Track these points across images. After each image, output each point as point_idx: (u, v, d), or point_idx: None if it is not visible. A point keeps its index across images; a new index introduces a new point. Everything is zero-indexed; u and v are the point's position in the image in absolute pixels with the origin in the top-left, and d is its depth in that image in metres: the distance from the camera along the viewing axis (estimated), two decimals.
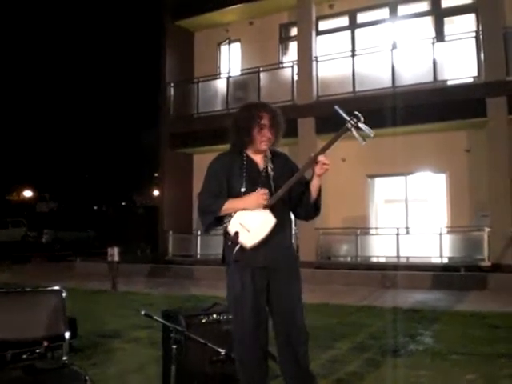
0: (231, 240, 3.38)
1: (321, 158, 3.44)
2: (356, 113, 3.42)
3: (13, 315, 4.03)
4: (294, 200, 3.60)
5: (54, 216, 43.73)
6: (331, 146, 3.49)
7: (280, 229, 3.45)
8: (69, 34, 68.98)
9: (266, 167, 3.58)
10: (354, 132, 3.43)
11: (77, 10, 66.43)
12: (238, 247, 3.34)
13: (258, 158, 3.60)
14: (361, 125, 3.42)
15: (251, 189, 3.44)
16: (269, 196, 3.40)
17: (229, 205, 3.42)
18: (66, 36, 66.22)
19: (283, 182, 3.45)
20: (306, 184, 3.57)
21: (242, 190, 3.46)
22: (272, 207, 3.40)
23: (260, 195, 3.37)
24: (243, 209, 3.39)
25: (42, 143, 50.28)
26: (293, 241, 3.69)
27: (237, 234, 3.35)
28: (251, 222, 3.38)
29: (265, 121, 3.52)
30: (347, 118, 3.43)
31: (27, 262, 23.06)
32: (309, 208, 3.61)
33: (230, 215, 3.43)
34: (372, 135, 3.41)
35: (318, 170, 3.47)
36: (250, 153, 3.60)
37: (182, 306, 7.86)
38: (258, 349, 3.46)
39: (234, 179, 3.51)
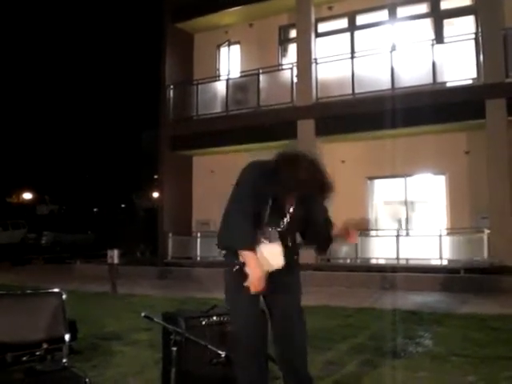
0: (239, 264, 3.41)
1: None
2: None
3: (13, 317, 4.03)
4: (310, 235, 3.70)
5: (54, 218, 43.69)
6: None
7: (287, 267, 3.49)
8: (69, 36, 69.01)
9: (289, 209, 3.54)
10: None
11: (77, 12, 66.44)
12: (237, 268, 3.42)
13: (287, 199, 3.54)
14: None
15: (273, 222, 3.47)
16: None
17: (246, 254, 3.38)
18: (66, 37, 66.24)
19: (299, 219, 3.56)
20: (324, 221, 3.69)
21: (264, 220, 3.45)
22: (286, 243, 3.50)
23: (259, 280, 3.35)
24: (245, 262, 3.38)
25: (42, 145, 50.27)
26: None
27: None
28: (265, 256, 3.41)
29: (315, 196, 3.56)
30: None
31: (27, 264, 23.05)
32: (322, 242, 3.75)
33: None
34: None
35: (349, 238, 3.67)
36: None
37: (181, 307, 7.87)
38: (257, 350, 3.47)
39: (263, 199, 3.44)
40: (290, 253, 3.50)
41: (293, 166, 3.37)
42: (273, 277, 3.44)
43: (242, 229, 3.34)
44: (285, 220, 3.50)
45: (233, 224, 3.40)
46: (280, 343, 3.53)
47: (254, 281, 3.33)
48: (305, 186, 3.36)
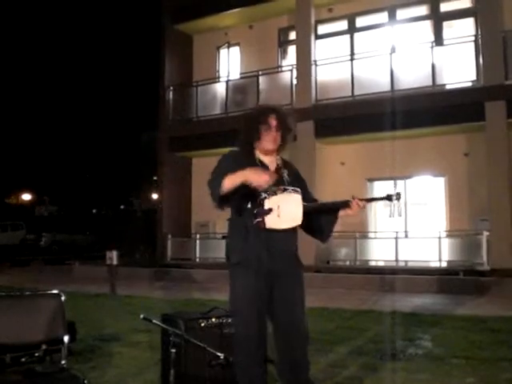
0: (259, 213, 3.38)
1: (360, 202, 3.71)
2: (399, 193, 3.76)
3: (12, 319, 4.03)
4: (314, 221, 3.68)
5: (53, 219, 43.70)
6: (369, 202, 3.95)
7: (289, 234, 3.51)
8: (69, 38, 69.05)
9: (279, 169, 3.61)
10: (391, 204, 3.94)
11: (77, 14, 66.48)
12: (257, 220, 3.38)
13: (268, 160, 3.63)
14: (396, 202, 3.88)
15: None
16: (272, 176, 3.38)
17: (229, 175, 3.39)
18: (65, 39, 66.27)
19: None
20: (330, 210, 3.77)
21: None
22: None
23: (264, 172, 3.35)
24: (244, 181, 3.32)
25: (41, 146, 50.28)
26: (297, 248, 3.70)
27: (270, 210, 3.38)
28: (285, 210, 3.42)
29: (272, 121, 3.56)
30: (394, 194, 3.76)
31: (26, 265, 23.04)
32: (325, 231, 3.78)
33: (274, 194, 3.43)
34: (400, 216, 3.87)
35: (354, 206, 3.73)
36: (259, 154, 3.62)
37: (180, 309, 7.85)
38: (257, 353, 3.45)
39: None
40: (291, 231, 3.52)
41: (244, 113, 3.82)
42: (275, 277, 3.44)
43: (215, 181, 3.51)
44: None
45: (212, 180, 3.57)
46: (281, 347, 3.51)
47: (259, 175, 3.32)
48: (253, 120, 3.59)
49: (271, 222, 3.39)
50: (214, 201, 3.53)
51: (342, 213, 3.74)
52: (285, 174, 3.61)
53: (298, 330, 3.49)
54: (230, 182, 3.37)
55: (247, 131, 3.61)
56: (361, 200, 3.72)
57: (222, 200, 3.48)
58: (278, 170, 3.60)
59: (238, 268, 3.47)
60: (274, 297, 3.48)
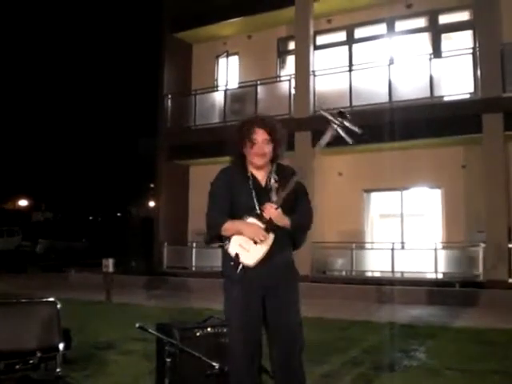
0: (233, 261, 3.39)
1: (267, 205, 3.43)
2: (342, 111, 3.49)
3: (7, 326, 4.02)
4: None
5: (50, 226, 43.62)
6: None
7: (278, 246, 3.45)
8: (68, 44, 69.11)
9: (269, 180, 3.57)
10: (341, 132, 3.51)
11: (77, 21, 66.55)
12: (241, 267, 3.38)
13: (260, 175, 3.60)
14: (346, 123, 3.51)
15: (258, 205, 3.46)
16: (265, 234, 3.38)
17: (229, 225, 3.44)
18: (64, 45, 66.31)
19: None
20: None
21: (251, 204, 3.48)
22: (272, 224, 3.41)
23: (260, 231, 3.37)
24: (240, 233, 3.40)
25: (38, 153, 50.24)
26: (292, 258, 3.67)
27: (237, 255, 3.39)
28: (249, 242, 3.40)
29: (257, 136, 3.53)
30: (332, 118, 3.50)
31: (22, 271, 22.97)
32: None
33: (228, 238, 3.45)
34: (359, 132, 3.51)
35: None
36: (251, 168, 3.60)
37: (176, 318, 7.84)
38: (251, 363, 3.45)
39: (238, 195, 3.54)
40: (277, 245, 3.44)
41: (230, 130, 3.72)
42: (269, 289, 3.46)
43: (220, 214, 3.50)
44: (263, 198, 3.48)
45: (210, 216, 3.56)
46: (276, 357, 3.51)
47: (254, 232, 3.35)
48: (237, 138, 3.58)
49: (249, 259, 3.39)
50: (207, 238, 3.61)
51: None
52: (273, 181, 3.55)
53: (292, 340, 3.48)
54: (226, 232, 3.44)
55: (235, 146, 3.61)
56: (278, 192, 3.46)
57: (213, 241, 3.56)
58: (265, 187, 3.55)
59: (228, 281, 3.50)
60: (267, 308, 3.49)
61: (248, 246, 3.40)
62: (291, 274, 3.60)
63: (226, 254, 3.50)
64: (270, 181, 3.56)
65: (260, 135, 3.53)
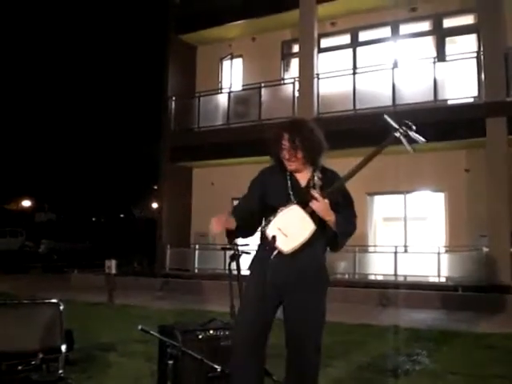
0: (268, 244, 3.33)
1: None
2: (407, 121, 3.47)
3: (9, 327, 4.03)
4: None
5: (53, 226, 43.69)
6: (376, 156, 3.62)
7: (310, 245, 3.38)
8: (72, 46, 69.24)
9: (312, 178, 3.54)
10: (404, 141, 3.52)
11: (81, 23, 66.75)
12: (276, 252, 3.31)
13: (300, 176, 3.57)
14: (411, 133, 3.49)
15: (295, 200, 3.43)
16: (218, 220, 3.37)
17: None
18: (69, 48, 66.48)
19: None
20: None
21: (286, 199, 3.45)
22: (314, 217, 3.35)
23: (213, 220, 3.36)
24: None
25: (42, 154, 50.35)
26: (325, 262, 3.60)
27: (274, 238, 3.32)
28: (289, 227, 3.34)
29: (284, 141, 3.49)
30: (397, 126, 3.49)
31: (25, 272, 22.98)
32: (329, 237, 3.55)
33: (269, 219, 3.41)
34: (423, 142, 3.52)
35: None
36: (292, 171, 3.57)
37: (178, 320, 7.83)
38: (253, 364, 3.39)
39: (274, 193, 3.51)
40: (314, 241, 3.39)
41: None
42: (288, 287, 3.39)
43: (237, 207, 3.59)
44: (302, 196, 3.43)
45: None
46: (291, 343, 3.47)
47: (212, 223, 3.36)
48: (270, 144, 3.55)
49: (285, 245, 3.33)
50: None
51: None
52: (316, 186, 3.49)
53: (307, 346, 3.44)
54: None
55: (272, 149, 3.59)
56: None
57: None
58: (307, 187, 3.51)
59: (258, 263, 3.46)
60: (286, 309, 3.44)
61: (287, 231, 3.33)
62: (317, 278, 3.52)
63: (263, 237, 3.44)
64: (313, 179, 3.53)
65: (285, 140, 3.49)
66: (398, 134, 3.46)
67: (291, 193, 3.46)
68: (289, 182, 3.52)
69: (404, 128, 3.45)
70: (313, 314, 3.45)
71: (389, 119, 3.51)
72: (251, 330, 3.35)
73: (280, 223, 3.36)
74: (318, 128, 3.69)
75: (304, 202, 3.36)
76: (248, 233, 3.57)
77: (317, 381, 3.49)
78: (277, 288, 3.36)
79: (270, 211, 3.43)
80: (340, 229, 3.46)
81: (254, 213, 3.51)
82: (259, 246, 3.52)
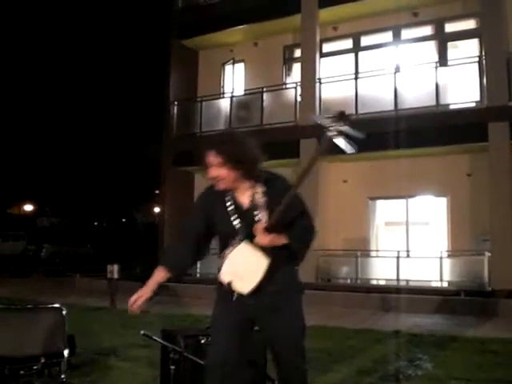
0: (227, 289, 3.23)
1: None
2: (336, 115, 3.08)
3: (12, 331, 4.03)
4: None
5: (55, 231, 43.73)
6: (309, 171, 3.18)
7: (275, 270, 3.16)
8: (76, 52, 69.43)
9: (252, 198, 3.23)
10: (338, 140, 3.12)
11: (84, 27, 66.97)
12: (236, 295, 3.21)
13: (241, 194, 3.29)
14: (344, 128, 3.09)
15: (242, 229, 3.21)
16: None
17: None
18: (73, 54, 66.64)
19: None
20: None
21: (231, 232, 3.25)
22: (266, 249, 3.12)
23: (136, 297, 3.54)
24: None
25: (44, 158, 50.40)
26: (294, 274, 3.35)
27: (230, 283, 3.21)
28: (243, 269, 3.17)
29: (208, 159, 3.27)
30: (326, 125, 3.11)
31: (27, 276, 22.98)
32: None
33: (222, 264, 3.29)
34: (362, 137, 3.10)
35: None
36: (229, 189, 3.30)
37: (180, 325, 7.83)
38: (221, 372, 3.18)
39: (220, 223, 3.32)
40: (274, 268, 3.14)
41: None
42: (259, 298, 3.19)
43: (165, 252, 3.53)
44: (246, 220, 3.20)
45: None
46: (276, 360, 3.34)
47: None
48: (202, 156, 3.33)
49: (243, 288, 3.17)
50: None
51: None
52: (258, 207, 3.20)
53: (290, 358, 3.27)
54: None
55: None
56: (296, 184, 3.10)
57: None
58: (248, 209, 3.23)
59: (215, 311, 3.44)
60: (263, 329, 3.33)
61: (241, 274, 3.17)
62: (292, 290, 3.32)
63: (219, 281, 3.33)
64: (254, 197, 3.22)
65: (211, 158, 3.24)
66: (330, 134, 3.07)
67: (236, 223, 3.22)
68: (231, 206, 3.25)
69: (334, 125, 3.08)
70: (290, 324, 3.25)
71: (316, 119, 3.20)
72: (226, 355, 3.20)
73: (232, 268, 3.22)
74: (251, 139, 3.31)
75: (251, 232, 3.13)
76: (190, 266, 3.62)
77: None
78: (247, 319, 3.28)
79: (219, 239, 3.37)
80: (296, 244, 3.19)
81: (199, 240, 3.44)
82: (219, 284, 3.37)
